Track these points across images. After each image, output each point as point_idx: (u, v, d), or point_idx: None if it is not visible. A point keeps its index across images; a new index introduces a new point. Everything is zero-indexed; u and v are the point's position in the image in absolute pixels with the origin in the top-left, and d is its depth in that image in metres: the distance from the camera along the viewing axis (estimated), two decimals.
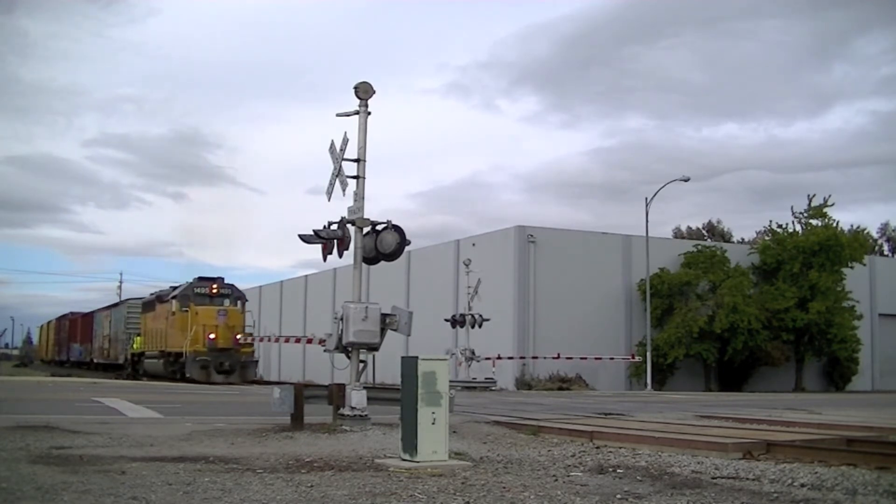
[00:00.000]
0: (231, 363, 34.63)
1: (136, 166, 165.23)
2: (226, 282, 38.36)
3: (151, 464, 9.02)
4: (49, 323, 78.82)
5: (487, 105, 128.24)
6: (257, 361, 38.34)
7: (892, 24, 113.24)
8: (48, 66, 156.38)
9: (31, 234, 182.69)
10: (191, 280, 38.36)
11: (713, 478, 8.81)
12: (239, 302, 37.25)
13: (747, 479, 8.73)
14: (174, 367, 36.67)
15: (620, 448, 11.46)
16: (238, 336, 35.00)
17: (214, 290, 36.50)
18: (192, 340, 34.62)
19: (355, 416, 13.35)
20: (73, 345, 63.14)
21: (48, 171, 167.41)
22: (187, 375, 33.75)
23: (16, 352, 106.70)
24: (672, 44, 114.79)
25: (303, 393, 13.62)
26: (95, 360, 54.16)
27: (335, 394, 14.05)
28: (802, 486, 8.27)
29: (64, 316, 71.07)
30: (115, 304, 53.62)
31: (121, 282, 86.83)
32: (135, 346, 43.68)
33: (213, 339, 34.48)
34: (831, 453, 10.15)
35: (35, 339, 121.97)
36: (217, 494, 7.31)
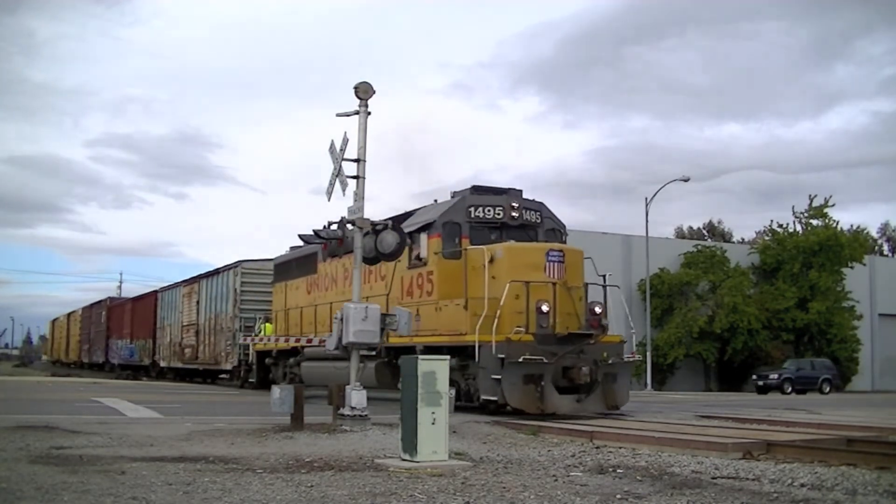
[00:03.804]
0: (590, 370, 15.70)
1: (138, 166, 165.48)
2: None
3: (151, 464, 9.02)
4: (71, 314, 64.28)
5: (490, 105, 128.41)
6: (637, 362, 20.20)
7: (895, 24, 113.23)
8: (55, 66, 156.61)
9: (33, 234, 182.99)
10: (437, 201, 18.97)
11: (713, 478, 8.80)
12: (562, 235, 18.64)
13: (747, 479, 8.73)
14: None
15: (620, 448, 11.46)
16: (596, 307, 16.54)
17: (515, 213, 17.81)
18: (488, 319, 15.25)
19: (355, 416, 13.36)
20: (117, 341, 47.32)
21: (51, 171, 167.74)
22: (483, 399, 15.77)
23: (16, 352, 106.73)
24: (675, 44, 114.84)
25: (303, 393, 13.61)
26: (167, 364, 38.09)
27: (335, 394, 14.05)
28: (802, 486, 8.26)
29: (98, 303, 54.38)
30: (212, 273, 33.09)
31: (121, 282, 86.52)
32: (264, 335, 26.78)
33: (547, 312, 15.61)
34: (831, 453, 10.14)
35: (35, 337, 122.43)
36: (217, 494, 7.30)
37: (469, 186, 18.31)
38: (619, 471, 9.27)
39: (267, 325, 26.95)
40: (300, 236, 16.13)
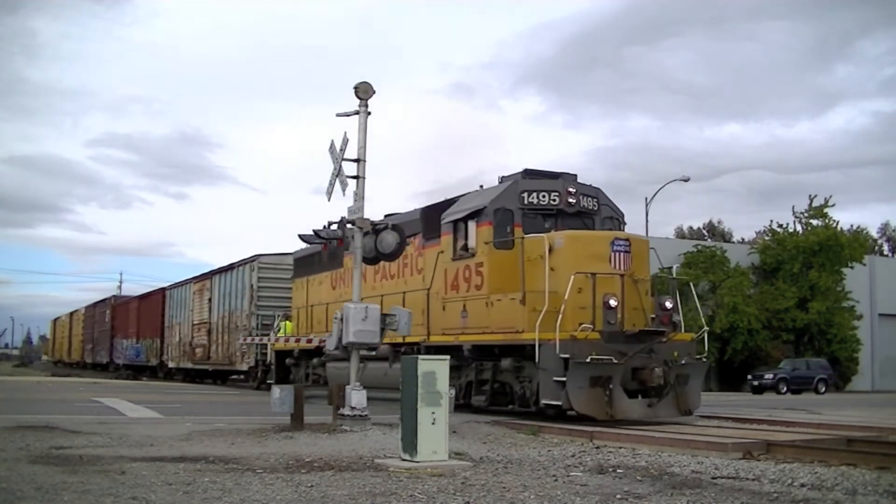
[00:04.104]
0: (664, 371, 14.19)
1: (138, 166, 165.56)
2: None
3: (151, 464, 9.02)
4: (73, 313, 62.93)
5: (491, 105, 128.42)
6: (707, 362, 16.61)
7: (895, 25, 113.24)
8: (56, 66, 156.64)
9: (33, 234, 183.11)
10: (482, 187, 17.37)
11: (713, 478, 8.80)
12: (620, 224, 17.03)
13: (747, 479, 8.73)
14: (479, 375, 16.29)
15: (620, 448, 11.46)
16: (667, 302, 15.37)
17: (572, 198, 16.12)
18: (549, 315, 13.72)
19: (355, 416, 13.36)
20: (122, 341, 45.78)
21: (51, 171, 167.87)
22: (544, 403, 14.09)
23: (16, 352, 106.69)
24: (675, 44, 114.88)
25: (303, 393, 13.61)
26: (176, 365, 36.48)
27: (335, 394, 14.06)
28: (802, 486, 8.26)
29: (102, 301, 53.39)
30: (226, 268, 31.12)
31: (121, 282, 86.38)
32: (283, 334, 24.75)
33: (615, 308, 14.27)
34: (831, 453, 10.14)
35: (35, 337, 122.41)
36: (217, 494, 7.30)
37: (520, 170, 16.55)
38: (619, 471, 9.27)
39: (287, 322, 25.41)
40: (300, 236, 16.12)
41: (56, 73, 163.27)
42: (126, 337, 44.60)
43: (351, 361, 14.25)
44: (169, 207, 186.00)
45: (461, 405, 16.09)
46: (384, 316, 14.22)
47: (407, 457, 9.45)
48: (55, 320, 75.27)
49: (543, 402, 14.06)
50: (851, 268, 45.36)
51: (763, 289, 45.13)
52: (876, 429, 13.71)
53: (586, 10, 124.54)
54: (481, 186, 17.25)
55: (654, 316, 14.87)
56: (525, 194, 15.92)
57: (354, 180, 14.46)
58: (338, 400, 13.85)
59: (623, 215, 17.17)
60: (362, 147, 14.44)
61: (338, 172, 14.48)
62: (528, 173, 16.49)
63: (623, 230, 16.62)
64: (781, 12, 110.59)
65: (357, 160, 14.42)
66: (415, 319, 17.15)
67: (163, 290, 39.69)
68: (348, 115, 14.49)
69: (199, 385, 32.25)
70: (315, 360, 22.17)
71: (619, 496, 7.60)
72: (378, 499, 7.26)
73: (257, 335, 27.00)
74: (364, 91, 14.39)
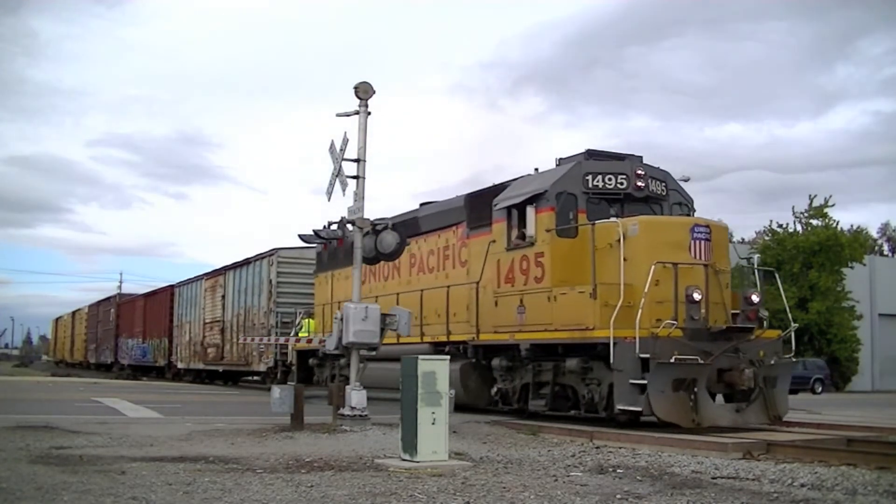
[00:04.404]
0: (754, 373, 12.83)
1: (139, 166, 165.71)
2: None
3: (151, 464, 9.02)
4: (76, 312, 61.18)
5: (491, 105, 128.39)
6: (795, 362, 15.25)
7: (895, 25, 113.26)
8: (57, 66, 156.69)
9: (33, 235, 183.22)
10: (538, 170, 15.62)
11: (713, 478, 8.80)
12: (689, 211, 15.59)
13: (747, 479, 8.73)
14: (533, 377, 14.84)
15: (620, 448, 11.46)
16: (753, 296, 13.99)
17: (641, 181, 14.72)
18: (625, 311, 12.58)
19: (355, 416, 13.37)
20: (127, 341, 44.04)
21: (52, 171, 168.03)
22: (619, 409, 12.79)
23: (16, 352, 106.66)
24: (675, 44, 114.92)
25: (303, 393, 13.61)
26: (185, 365, 34.71)
27: (335, 394, 14.06)
28: (802, 486, 8.26)
29: (106, 300, 51.70)
30: (241, 264, 29.38)
31: (121, 282, 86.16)
32: (305, 333, 23.05)
33: (699, 302, 12.95)
34: (831, 453, 10.13)
35: (35, 337, 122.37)
36: (217, 494, 7.30)
37: (582, 151, 15.07)
38: (619, 471, 9.27)
39: (309, 320, 23.82)
40: (300, 236, 16.14)
41: (57, 73, 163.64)
42: (132, 336, 43.18)
43: (351, 362, 14.26)
44: (169, 207, 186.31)
45: (515, 410, 15.20)
46: (384, 316, 14.22)
47: (407, 457, 9.45)
48: (57, 319, 74.37)
49: (619, 407, 12.65)
50: (851, 268, 45.36)
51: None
52: (876, 429, 13.70)
53: (586, 10, 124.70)
54: (536, 170, 15.69)
55: (735, 312, 13.59)
56: (589, 177, 14.48)
57: (354, 180, 14.47)
58: (338, 400, 13.86)
59: (692, 201, 15.64)
60: (362, 147, 14.45)
61: (338, 172, 14.49)
62: (592, 154, 15.03)
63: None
64: (781, 12, 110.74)
65: (357, 160, 14.43)
66: (459, 316, 16.44)
67: (171, 287, 37.97)
68: (348, 115, 14.50)
69: (200, 385, 32.17)
70: (342, 361, 20.12)
71: (619, 496, 7.60)
72: (378, 499, 7.26)
73: (278, 334, 25.02)
74: (364, 91, 14.40)
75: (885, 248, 77.89)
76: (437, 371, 9.70)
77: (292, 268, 26.21)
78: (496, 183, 16.50)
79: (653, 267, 12.46)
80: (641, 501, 7.43)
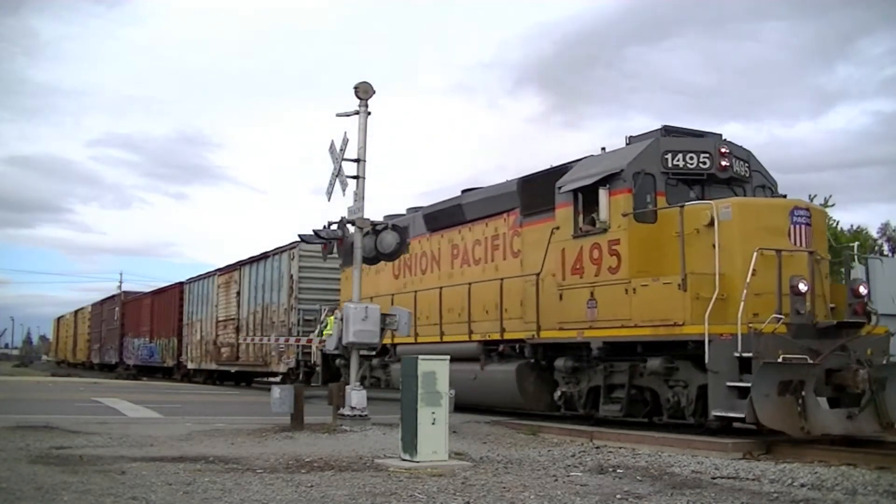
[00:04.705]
0: (866, 375, 11.21)
1: (139, 166, 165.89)
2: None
3: (151, 464, 9.02)
4: (79, 311, 60.07)
5: (491, 105, 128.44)
6: None
7: (895, 25, 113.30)
8: (57, 67, 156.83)
9: (34, 235, 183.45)
10: (604, 149, 14.49)
11: (713, 478, 8.80)
12: (774, 195, 14.32)
13: (747, 479, 8.73)
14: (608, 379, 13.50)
15: (620, 448, 11.47)
16: (861, 287, 12.88)
17: (725, 161, 13.47)
18: (723, 304, 11.49)
19: (355, 416, 13.38)
20: (133, 340, 42.68)
21: (52, 171, 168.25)
22: (715, 415, 11.33)
23: (16, 352, 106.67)
24: (675, 44, 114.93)
25: (303, 393, 13.62)
26: (196, 366, 33.42)
27: (335, 394, 14.07)
28: (802, 486, 8.27)
29: (111, 298, 50.42)
30: (258, 258, 27.86)
31: (121, 282, 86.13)
32: (330, 332, 19.26)
33: (804, 294, 11.40)
34: (831, 453, 10.12)
35: (35, 337, 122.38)
36: (217, 494, 7.30)
37: (658, 127, 13.70)
38: (619, 471, 9.28)
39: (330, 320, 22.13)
40: (300, 236, 16.16)
41: (57, 73, 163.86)
42: (138, 336, 41.74)
43: (351, 362, 14.27)
44: (169, 207, 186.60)
45: (580, 416, 13.81)
46: (384, 316, 14.24)
47: (407, 457, 9.45)
48: (59, 319, 72.97)
49: (714, 413, 11.21)
50: (852, 268, 45.36)
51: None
52: None
53: (586, 10, 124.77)
54: (603, 149, 14.33)
55: (832, 305, 12.43)
56: (669, 155, 13.14)
57: (354, 180, 14.48)
58: (338, 400, 13.87)
59: (776, 184, 14.33)
60: (362, 147, 14.46)
61: (338, 172, 14.50)
62: (668, 131, 13.64)
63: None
64: (781, 12, 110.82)
65: (357, 160, 14.44)
66: (512, 312, 15.14)
67: (180, 284, 36.47)
68: (348, 115, 14.51)
69: (201, 385, 32.12)
70: (375, 361, 19.07)
71: (619, 496, 7.60)
72: (378, 499, 7.26)
73: (300, 332, 23.53)
74: (364, 91, 14.41)
75: (885, 248, 77.91)
76: (437, 371, 9.70)
77: (316, 261, 23.46)
78: (553, 166, 15.19)
79: (754, 254, 11.14)
80: (641, 501, 7.43)
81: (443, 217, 17.82)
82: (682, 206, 12.20)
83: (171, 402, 19.72)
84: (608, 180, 13.06)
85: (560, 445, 11.89)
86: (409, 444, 9.47)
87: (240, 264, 29.48)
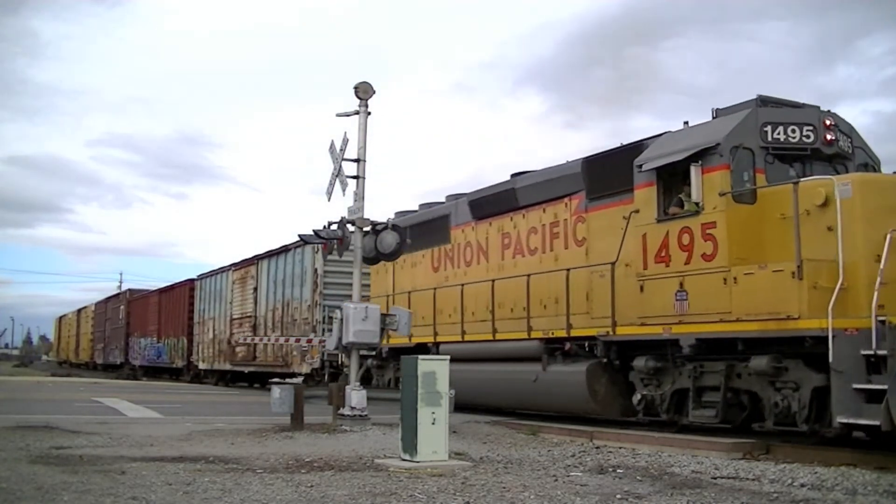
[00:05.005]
0: None
1: (139, 166, 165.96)
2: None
3: (151, 464, 9.02)
4: (82, 310, 58.77)
5: (492, 105, 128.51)
6: None
7: (895, 25, 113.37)
8: (58, 67, 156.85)
9: (34, 235, 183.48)
10: (687, 124, 12.75)
11: (713, 478, 8.80)
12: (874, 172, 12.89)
13: (747, 479, 8.73)
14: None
15: (620, 448, 11.47)
16: None
17: (830, 134, 11.97)
18: (849, 295, 10.04)
19: (355, 416, 13.39)
20: (140, 340, 41.31)
21: (53, 171, 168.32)
22: (840, 422, 9.78)
23: (16, 352, 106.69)
24: (677, 45, 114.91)
25: (303, 393, 13.63)
26: (208, 366, 31.87)
27: (335, 394, 14.08)
28: (802, 486, 8.26)
29: (115, 296, 49.47)
30: (277, 252, 26.31)
31: (121, 282, 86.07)
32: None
33: None
34: (831, 453, 10.12)
35: (35, 337, 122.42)
36: (217, 494, 7.30)
37: (753, 97, 12.20)
38: (619, 471, 9.28)
39: None
40: (300, 236, 16.18)
41: (57, 73, 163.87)
42: (145, 335, 40.23)
43: (351, 362, 14.27)
44: (169, 207, 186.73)
45: (663, 422, 12.48)
46: (384, 316, 14.25)
47: (407, 457, 9.45)
48: (60, 318, 71.71)
49: (840, 419, 9.71)
50: None
51: None
52: None
53: (586, 10, 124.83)
54: (686, 123, 12.78)
55: None
56: (769, 128, 11.71)
57: (354, 180, 14.49)
58: (338, 400, 13.87)
59: (879, 162, 12.87)
60: (362, 147, 14.47)
61: (338, 172, 14.51)
62: (765, 101, 12.16)
63: None
64: (782, 13, 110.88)
65: (357, 160, 14.45)
66: (576, 307, 13.80)
67: (191, 280, 34.76)
68: (348, 115, 14.53)
69: (200, 385, 32.07)
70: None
71: (619, 496, 7.60)
72: (378, 499, 7.26)
73: (325, 330, 21.84)
74: (364, 91, 14.42)
75: None
76: (437, 371, 9.70)
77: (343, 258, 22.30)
78: (623, 143, 13.82)
79: (889, 236, 9.78)
80: (641, 501, 7.43)
81: (492, 203, 16.36)
82: (796, 183, 10.71)
83: (171, 402, 19.73)
84: (701, 156, 11.60)
85: (560, 445, 11.89)
86: (409, 444, 9.48)
87: (257, 258, 27.90)
